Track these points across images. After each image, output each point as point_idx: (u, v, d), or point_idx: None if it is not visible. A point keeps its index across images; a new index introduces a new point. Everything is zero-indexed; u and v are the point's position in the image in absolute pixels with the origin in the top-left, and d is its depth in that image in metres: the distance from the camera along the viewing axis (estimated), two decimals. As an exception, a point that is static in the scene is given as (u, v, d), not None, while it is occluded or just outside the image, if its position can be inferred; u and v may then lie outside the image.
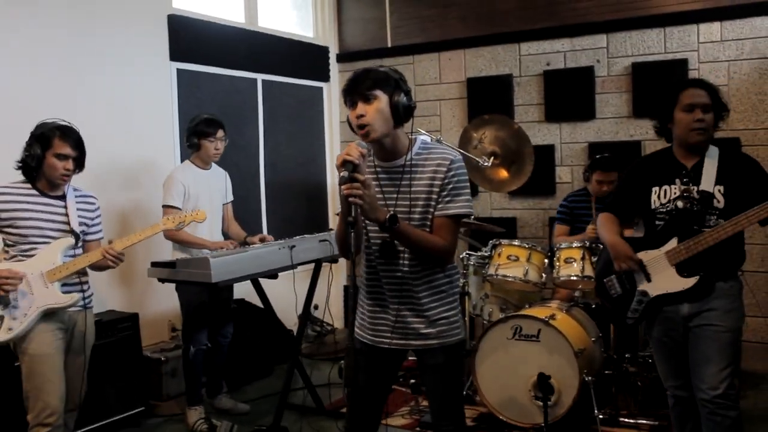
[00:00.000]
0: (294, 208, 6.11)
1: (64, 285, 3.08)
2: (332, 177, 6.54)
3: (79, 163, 3.14)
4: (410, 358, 3.03)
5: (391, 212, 2.24)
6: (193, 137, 4.19)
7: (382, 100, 2.28)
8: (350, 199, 2.14)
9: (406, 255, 2.39)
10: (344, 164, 2.16)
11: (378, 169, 2.42)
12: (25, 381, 3.00)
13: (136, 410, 4.18)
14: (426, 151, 2.39)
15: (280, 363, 5.28)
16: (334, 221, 6.51)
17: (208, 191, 4.23)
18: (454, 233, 2.38)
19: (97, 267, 3.17)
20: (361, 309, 2.55)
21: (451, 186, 2.34)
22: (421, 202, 2.36)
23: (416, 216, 2.37)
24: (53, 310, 3.03)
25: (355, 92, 2.29)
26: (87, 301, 3.21)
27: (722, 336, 2.78)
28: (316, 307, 5.35)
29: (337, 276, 5.58)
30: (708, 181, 2.83)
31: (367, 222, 2.37)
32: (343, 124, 6.47)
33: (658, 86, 5.02)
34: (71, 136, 3.09)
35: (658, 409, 3.99)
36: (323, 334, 6.00)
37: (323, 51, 6.36)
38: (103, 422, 3.98)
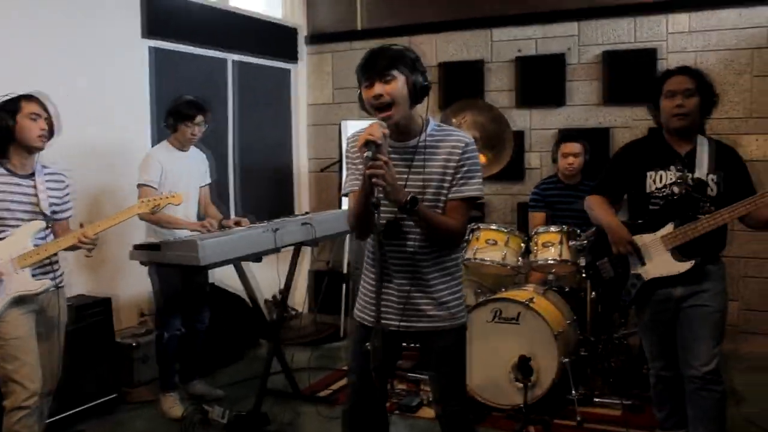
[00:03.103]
0: (262, 191, 6.02)
1: (35, 269, 2.97)
2: (299, 160, 6.46)
3: (51, 126, 3.03)
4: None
5: (412, 194, 2.21)
6: (170, 118, 4.07)
7: (399, 80, 2.25)
8: (373, 180, 2.10)
9: (415, 235, 2.37)
10: (367, 144, 2.11)
11: (389, 149, 2.37)
12: (1, 366, 2.89)
13: (109, 397, 4.07)
14: (440, 132, 2.38)
15: (251, 348, 5.23)
16: (300, 205, 6.44)
17: (186, 172, 4.12)
18: (467, 215, 2.38)
19: (69, 247, 3.04)
20: (363, 290, 2.52)
21: (465, 168, 2.33)
22: (434, 184, 2.34)
23: (428, 197, 2.34)
24: (24, 297, 2.92)
25: (372, 71, 2.25)
26: (58, 281, 3.11)
27: (713, 316, 2.92)
28: (281, 293, 5.28)
29: (302, 261, 5.52)
30: (702, 169, 2.92)
31: None
32: (312, 107, 6.40)
33: (628, 75, 5.14)
34: (35, 97, 3.01)
35: (630, 389, 4.11)
36: (288, 318, 5.96)
37: (292, 32, 6.25)
38: (76, 410, 3.86)
